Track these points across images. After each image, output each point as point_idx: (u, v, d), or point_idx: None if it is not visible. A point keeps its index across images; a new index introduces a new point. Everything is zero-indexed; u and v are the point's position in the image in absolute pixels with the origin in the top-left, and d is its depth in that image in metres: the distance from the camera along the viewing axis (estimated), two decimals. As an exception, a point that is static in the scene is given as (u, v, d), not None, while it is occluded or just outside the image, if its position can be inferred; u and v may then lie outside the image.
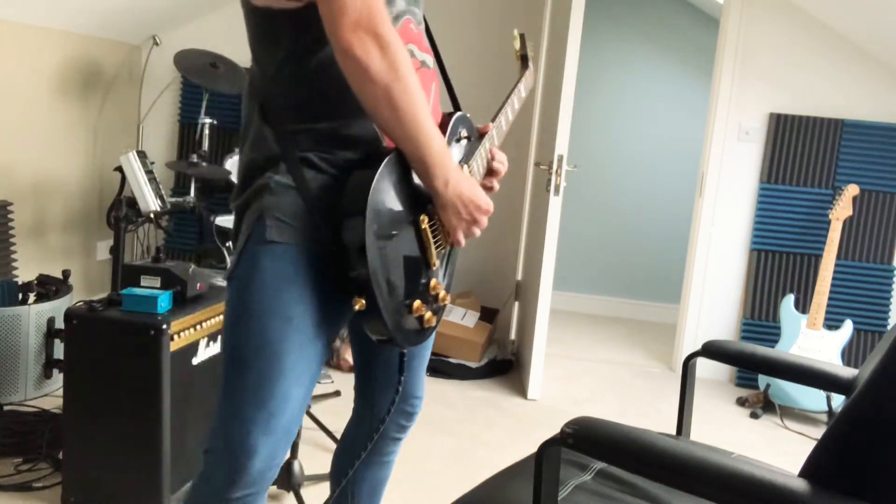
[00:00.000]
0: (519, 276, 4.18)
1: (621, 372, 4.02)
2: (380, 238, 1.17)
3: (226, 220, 3.35)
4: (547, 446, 1.05)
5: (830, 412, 3.37)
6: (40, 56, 3.48)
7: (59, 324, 2.48)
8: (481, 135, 1.47)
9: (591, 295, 5.23)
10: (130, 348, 2.01)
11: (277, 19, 1.19)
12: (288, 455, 1.91)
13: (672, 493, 1.28)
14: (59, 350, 2.61)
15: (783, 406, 3.51)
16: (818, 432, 3.34)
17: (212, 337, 2.24)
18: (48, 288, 2.78)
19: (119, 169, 3.22)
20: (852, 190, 3.62)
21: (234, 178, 3.49)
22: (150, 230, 4.04)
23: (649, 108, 5.04)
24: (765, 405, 3.54)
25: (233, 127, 4.19)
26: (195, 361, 2.16)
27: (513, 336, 4.18)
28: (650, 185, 5.08)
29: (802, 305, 3.69)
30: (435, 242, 1.29)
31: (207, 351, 2.22)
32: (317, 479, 2.42)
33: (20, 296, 2.69)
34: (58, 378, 2.58)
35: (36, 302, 2.65)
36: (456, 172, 1.24)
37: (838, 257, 3.69)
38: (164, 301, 2.06)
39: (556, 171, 3.28)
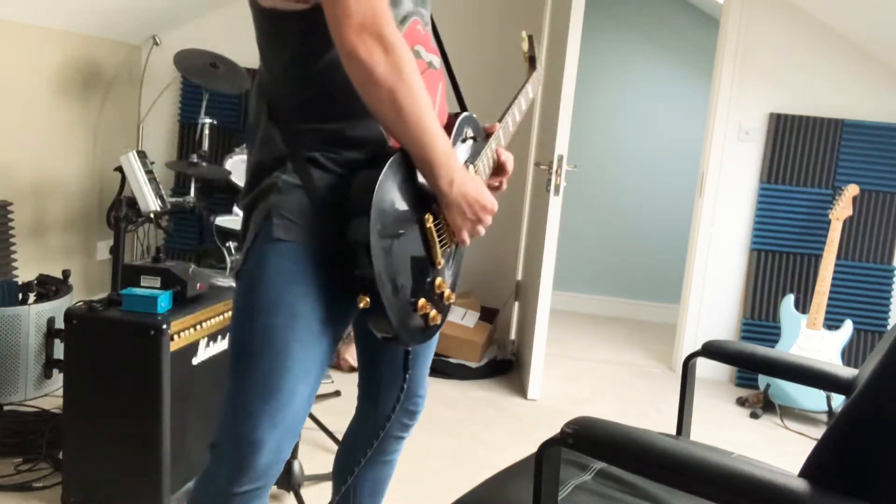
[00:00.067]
0: (519, 276, 4.18)
1: (621, 372, 4.02)
2: (384, 237, 1.18)
3: (226, 220, 3.34)
4: (547, 446, 1.05)
5: (830, 412, 3.37)
6: (40, 56, 3.48)
7: (59, 324, 2.48)
8: (488, 135, 1.47)
9: (591, 295, 5.24)
10: (130, 348, 2.01)
11: (285, 21, 1.20)
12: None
13: (672, 493, 1.28)
14: (59, 350, 2.61)
15: (783, 406, 3.51)
16: (818, 432, 3.34)
17: (212, 337, 2.24)
18: (48, 288, 2.78)
19: (119, 169, 3.22)
20: (852, 190, 3.62)
21: (233, 178, 3.49)
22: (150, 230, 4.04)
23: (649, 108, 5.04)
24: (765, 405, 3.54)
25: (233, 127, 4.19)
26: (195, 361, 2.16)
27: (513, 336, 4.18)
28: (650, 184, 5.08)
29: (802, 305, 3.70)
30: (440, 241, 1.30)
31: (207, 351, 2.22)
32: (317, 479, 2.42)
33: (20, 296, 2.69)
34: (58, 378, 2.58)
35: (36, 302, 2.65)
36: (461, 172, 1.24)
37: (838, 257, 3.69)
38: (164, 301, 2.06)
39: (556, 171, 3.28)
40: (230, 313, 2.28)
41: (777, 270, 3.87)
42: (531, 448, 1.19)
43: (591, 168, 4.92)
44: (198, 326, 2.15)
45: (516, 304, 4.15)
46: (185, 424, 2.12)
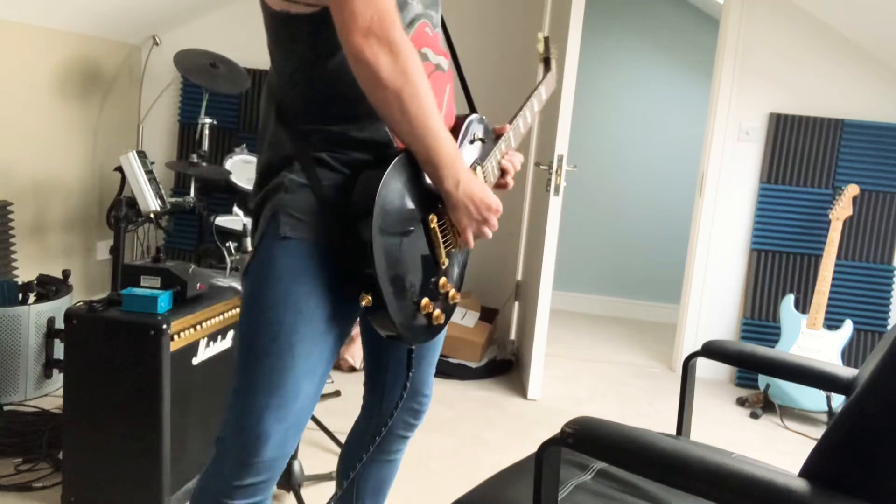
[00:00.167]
0: (519, 276, 4.18)
1: (621, 372, 4.02)
2: (386, 236, 1.20)
3: (226, 220, 3.34)
4: (547, 446, 1.05)
5: (830, 412, 3.37)
6: (40, 56, 3.48)
7: (59, 324, 2.48)
8: (498, 136, 1.48)
9: (591, 295, 5.24)
10: (130, 348, 2.01)
11: (294, 24, 1.21)
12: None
13: (672, 493, 1.28)
14: (59, 350, 2.62)
15: (783, 406, 3.51)
16: (818, 432, 3.34)
17: (212, 337, 2.24)
18: (48, 288, 2.79)
19: (119, 169, 3.22)
20: (852, 190, 3.62)
21: (233, 178, 3.49)
22: (150, 230, 4.04)
23: (649, 108, 5.04)
24: (765, 405, 3.54)
25: (233, 127, 4.19)
26: (195, 361, 2.16)
27: (513, 336, 4.18)
28: (650, 184, 5.08)
29: (802, 305, 3.70)
30: (444, 242, 1.31)
31: (207, 351, 2.22)
32: (317, 479, 2.42)
33: (20, 296, 2.70)
34: (58, 378, 2.58)
35: (36, 302, 2.65)
36: (466, 173, 1.26)
37: (838, 257, 3.69)
38: (164, 301, 2.06)
39: (556, 172, 3.28)
40: (230, 313, 2.30)
41: (777, 270, 3.87)
42: (531, 448, 1.19)
43: (591, 168, 4.92)
44: (198, 326, 2.15)
45: (516, 304, 4.15)
46: (185, 424, 2.12)
